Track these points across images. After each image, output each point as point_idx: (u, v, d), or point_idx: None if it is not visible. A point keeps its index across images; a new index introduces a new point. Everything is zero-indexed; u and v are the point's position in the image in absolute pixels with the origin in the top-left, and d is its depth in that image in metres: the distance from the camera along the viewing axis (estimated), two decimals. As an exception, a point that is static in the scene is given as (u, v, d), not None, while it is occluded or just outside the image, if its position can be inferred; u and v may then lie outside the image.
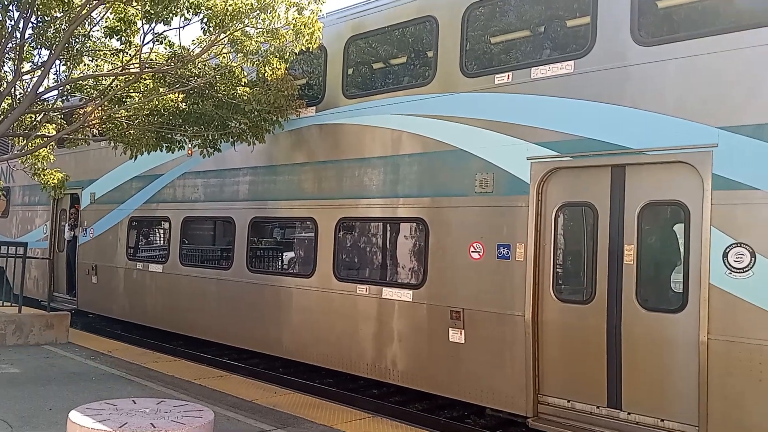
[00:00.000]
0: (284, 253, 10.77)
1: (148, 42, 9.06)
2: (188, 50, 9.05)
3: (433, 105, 8.04)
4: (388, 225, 8.86)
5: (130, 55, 9.44)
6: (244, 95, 8.98)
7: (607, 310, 6.52)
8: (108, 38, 9.53)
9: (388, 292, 8.36)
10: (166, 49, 9.32)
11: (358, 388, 9.58)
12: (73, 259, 14.77)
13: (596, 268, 6.64)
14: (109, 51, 9.94)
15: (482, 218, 7.47)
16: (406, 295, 8.16)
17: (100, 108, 9.81)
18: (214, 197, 11.28)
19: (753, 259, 5.58)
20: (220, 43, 8.71)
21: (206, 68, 9.16)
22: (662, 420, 6.10)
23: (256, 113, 9.11)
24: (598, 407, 6.54)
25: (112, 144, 10.44)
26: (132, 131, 9.78)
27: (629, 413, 6.32)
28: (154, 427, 4.37)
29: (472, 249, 7.53)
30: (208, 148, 9.64)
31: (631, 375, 6.34)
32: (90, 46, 9.87)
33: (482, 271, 7.42)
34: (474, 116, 7.63)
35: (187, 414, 4.76)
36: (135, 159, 10.36)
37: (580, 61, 6.85)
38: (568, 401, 6.75)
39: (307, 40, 8.37)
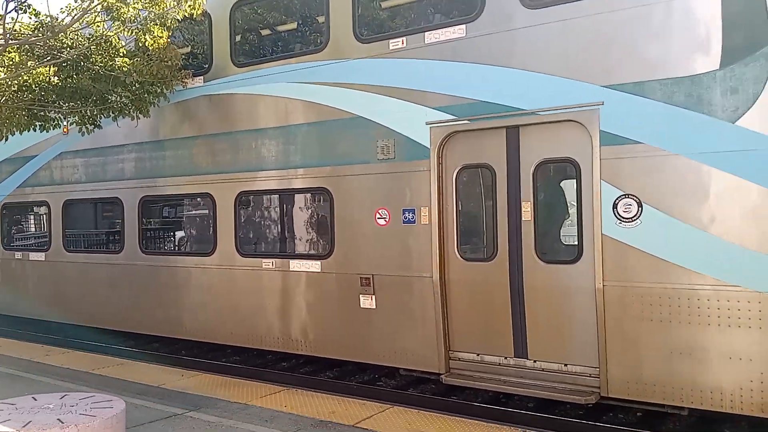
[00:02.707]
0: (180, 232, 10.36)
1: (11, 11, 8.27)
2: (57, 19, 8.31)
3: (328, 72, 7.92)
4: (290, 197, 8.73)
5: (-11, 26, 8.57)
6: (124, 66, 8.43)
7: (509, 265, 6.83)
8: None
9: (296, 265, 8.29)
10: (31, 18, 8.54)
11: (266, 363, 9.52)
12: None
13: (497, 227, 6.91)
14: None
15: (386, 184, 7.53)
16: (315, 266, 8.13)
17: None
18: (98, 177, 10.61)
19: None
20: (93, 10, 8.07)
21: (79, 38, 8.50)
22: (566, 365, 6.53)
23: (138, 85, 8.60)
24: (505, 358, 6.89)
25: None
26: (0, 110, 8.96)
27: (535, 361, 6.71)
28: (62, 423, 4.14)
29: (377, 215, 7.60)
30: (87, 125, 9.01)
31: (535, 325, 6.71)
32: None
33: (389, 236, 7.51)
34: (371, 83, 7.60)
35: (95, 406, 4.54)
36: (6, 140, 9.53)
37: (471, 25, 6.97)
38: (478, 355, 7.06)
39: (190, 6, 7.91)
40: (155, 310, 9.84)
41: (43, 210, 11.63)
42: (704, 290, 5.76)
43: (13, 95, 8.79)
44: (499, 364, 6.92)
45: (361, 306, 7.74)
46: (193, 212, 10.07)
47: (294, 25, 8.98)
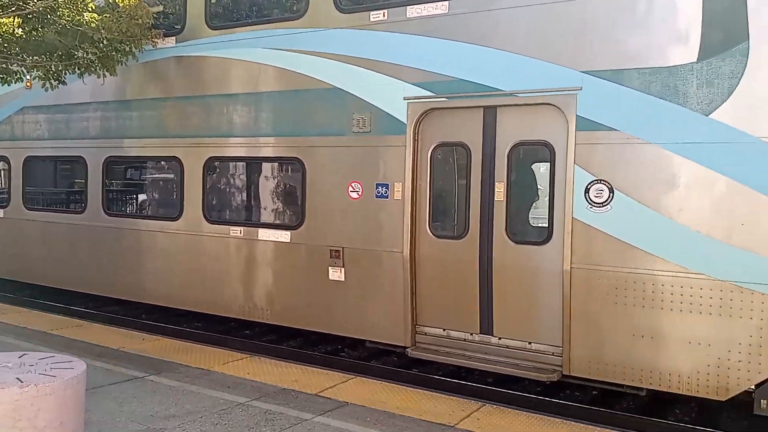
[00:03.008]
0: (146, 195, 10.16)
1: None
2: None
3: (306, 40, 7.79)
4: (261, 165, 8.62)
5: (-50, -27, 8.14)
6: (92, 22, 8.07)
7: (479, 244, 6.90)
8: None
9: (265, 234, 8.23)
10: None
11: (229, 330, 9.50)
12: None
13: (469, 206, 6.96)
14: None
15: (360, 158, 7.50)
16: (284, 236, 8.09)
17: None
18: (61, 134, 10.30)
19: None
20: None
21: None
22: (530, 343, 6.68)
23: (106, 42, 8.31)
24: (471, 334, 7.01)
25: None
26: None
27: (500, 338, 6.84)
28: (22, 382, 4.04)
29: (350, 188, 7.57)
30: (51, 80, 8.69)
31: (502, 303, 6.83)
32: None
33: (361, 210, 7.50)
34: (350, 54, 7.50)
35: (55, 366, 4.41)
36: (7, 84, 9.13)
37: (454, 2, 6.92)
38: (444, 330, 7.16)
39: None
40: (116, 273, 9.69)
41: (1, 165, 11.23)
42: (669, 276, 5.92)
43: None
44: (465, 340, 7.03)
45: (330, 278, 7.74)
46: (160, 175, 9.88)
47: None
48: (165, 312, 9.80)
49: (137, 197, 10.30)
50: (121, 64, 8.72)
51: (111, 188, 9.93)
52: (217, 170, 8.87)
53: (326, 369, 7.18)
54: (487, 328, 6.92)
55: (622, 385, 6.31)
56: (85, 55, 8.43)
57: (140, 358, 7.20)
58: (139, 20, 8.50)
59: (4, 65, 8.63)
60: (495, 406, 6.00)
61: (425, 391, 6.45)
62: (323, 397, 6.07)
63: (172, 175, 9.31)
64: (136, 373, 6.58)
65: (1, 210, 11.12)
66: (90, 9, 8.18)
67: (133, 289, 9.59)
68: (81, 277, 10.10)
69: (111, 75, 8.72)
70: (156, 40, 8.88)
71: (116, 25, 8.25)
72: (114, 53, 8.47)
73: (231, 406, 5.72)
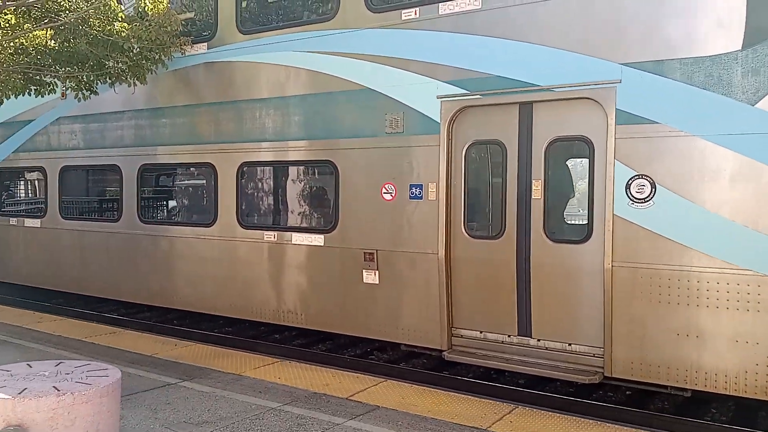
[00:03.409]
0: (180, 202, 10.22)
1: None
2: None
3: (337, 41, 7.77)
4: (294, 169, 8.61)
5: (-13, -12, 8.34)
6: (122, 31, 8.20)
7: (516, 243, 6.75)
8: None
9: (299, 238, 8.19)
10: None
11: (259, 334, 9.49)
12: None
13: (506, 205, 6.82)
14: None
15: (393, 159, 7.42)
16: (317, 239, 8.03)
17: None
18: (96, 143, 10.44)
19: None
20: None
21: (78, 1, 8.27)
22: (570, 344, 6.49)
23: (136, 51, 8.40)
24: (509, 336, 6.85)
25: None
26: None
27: (539, 340, 6.66)
28: (58, 391, 4.05)
29: (384, 190, 7.49)
30: (84, 90, 8.82)
31: (540, 304, 6.66)
32: None
33: (395, 211, 7.42)
34: (381, 54, 7.45)
35: (91, 374, 4.43)
36: (41, 96, 9.33)
37: (487, -2, 6.83)
38: (481, 332, 7.01)
39: None
40: (152, 280, 9.74)
41: (39, 176, 11.42)
42: (715, 273, 5.71)
43: (9, 58, 8.59)
44: (503, 342, 6.88)
45: (364, 281, 7.66)
46: (194, 182, 9.92)
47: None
48: (196, 318, 9.81)
49: (173, 204, 10.34)
50: (151, 73, 8.80)
51: (145, 195, 10.00)
52: (251, 175, 8.87)
53: (357, 372, 7.12)
54: (525, 329, 6.76)
55: (665, 386, 6.10)
56: (115, 65, 8.52)
57: (173, 364, 7.23)
58: (168, 28, 8.56)
59: (38, 77, 8.80)
60: (528, 408, 5.88)
61: (457, 394, 6.35)
62: (354, 401, 6.01)
63: (206, 182, 9.33)
64: (169, 380, 6.60)
65: (38, 220, 11.28)
66: (120, 18, 8.29)
67: (169, 295, 9.62)
68: (118, 284, 10.17)
69: (141, 83, 8.81)
70: (185, 47, 8.93)
71: (146, 33, 8.32)
72: (144, 62, 8.57)
73: (263, 411, 5.69)
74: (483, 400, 6.13)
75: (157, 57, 8.64)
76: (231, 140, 8.78)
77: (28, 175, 12.17)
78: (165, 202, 10.47)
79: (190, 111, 9.24)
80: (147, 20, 8.42)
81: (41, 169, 11.28)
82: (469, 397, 6.24)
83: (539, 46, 6.54)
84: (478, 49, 6.85)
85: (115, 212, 10.32)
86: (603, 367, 6.23)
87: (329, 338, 8.87)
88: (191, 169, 9.77)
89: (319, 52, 7.91)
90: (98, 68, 8.51)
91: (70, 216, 10.97)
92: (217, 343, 8.61)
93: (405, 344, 7.59)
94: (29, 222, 11.45)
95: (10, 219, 11.81)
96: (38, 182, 11.64)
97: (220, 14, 8.87)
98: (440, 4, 7.08)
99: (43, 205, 11.25)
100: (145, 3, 8.15)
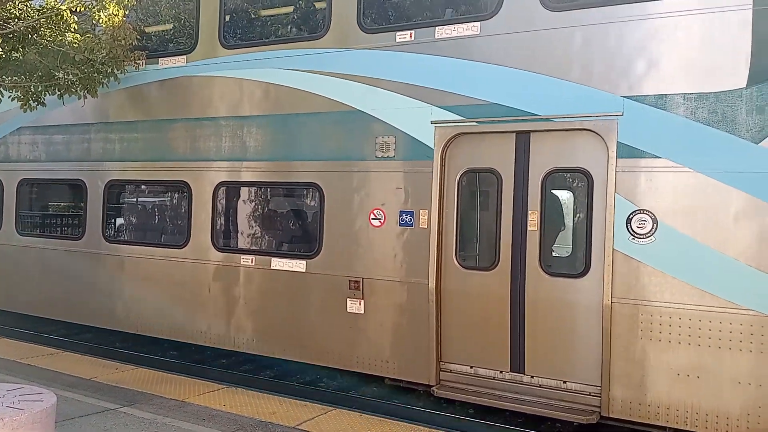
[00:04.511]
0: (150, 221, 9.71)
1: None
2: None
3: (327, 61, 7.51)
4: (275, 190, 8.28)
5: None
6: (74, 43, 7.90)
7: (510, 276, 6.55)
8: None
9: (278, 263, 7.82)
10: None
11: (205, 359, 9.03)
12: None
13: (500, 235, 6.62)
14: None
15: (383, 184, 7.16)
16: (299, 265, 7.67)
17: None
18: (59, 157, 9.87)
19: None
20: None
21: (28, 9, 7.98)
22: (565, 382, 6.29)
23: (88, 64, 8.07)
24: (501, 372, 6.61)
25: None
26: None
27: (532, 376, 6.44)
28: None
29: (372, 216, 7.21)
30: (31, 102, 8.40)
31: (535, 339, 6.45)
32: None
33: (383, 238, 7.14)
34: (374, 75, 7.22)
35: (24, 398, 4.21)
36: None
37: (486, 23, 6.68)
38: (471, 367, 6.76)
39: None
40: (115, 304, 9.18)
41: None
42: (717, 312, 5.61)
43: None
44: (494, 378, 6.63)
45: (348, 310, 7.33)
46: (166, 201, 9.45)
47: (291, 9, 8.51)
48: (140, 340, 9.38)
49: (143, 223, 9.81)
50: (103, 86, 8.43)
51: (112, 213, 9.47)
52: (227, 195, 8.44)
53: (305, 400, 6.95)
54: (518, 365, 6.53)
55: (665, 428, 5.93)
56: (65, 76, 8.14)
57: (114, 388, 7.00)
58: (123, 41, 8.21)
59: None
60: None
61: (406, 424, 6.23)
62: (301, 429, 5.87)
63: (180, 201, 8.89)
64: (108, 405, 6.37)
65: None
66: (72, 30, 8.00)
67: (131, 320, 9.08)
68: (78, 306, 9.57)
69: (92, 97, 8.45)
70: (139, 61, 8.52)
71: (98, 46, 8.01)
72: (96, 75, 8.22)
73: None
74: (432, 430, 6.03)
75: (109, 70, 8.28)
76: (208, 158, 8.38)
77: None
78: (134, 221, 9.89)
79: (165, 126, 8.81)
80: (101, 32, 8.12)
81: (-3, 182, 10.63)
82: (419, 427, 6.14)
83: (540, 75, 6.41)
84: (476, 75, 6.69)
85: (78, 229, 9.76)
86: (600, 407, 6.04)
87: (278, 364, 8.49)
88: (164, 186, 9.27)
89: (306, 71, 7.63)
90: (47, 79, 8.16)
91: (26, 232, 10.32)
92: (162, 368, 8.25)
93: (390, 378, 7.27)
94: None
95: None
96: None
97: (202, 26, 8.51)
98: (437, 28, 6.91)
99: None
100: (99, 15, 7.80)
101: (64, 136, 9.81)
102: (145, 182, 9.30)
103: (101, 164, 9.36)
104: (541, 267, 6.42)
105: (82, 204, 9.57)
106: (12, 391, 4.35)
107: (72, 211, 10.26)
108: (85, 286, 9.45)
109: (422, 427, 6.12)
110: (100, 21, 7.82)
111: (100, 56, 8.00)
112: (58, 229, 10.57)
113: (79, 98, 8.42)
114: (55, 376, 7.36)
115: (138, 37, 8.37)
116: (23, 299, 10.21)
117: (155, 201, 9.64)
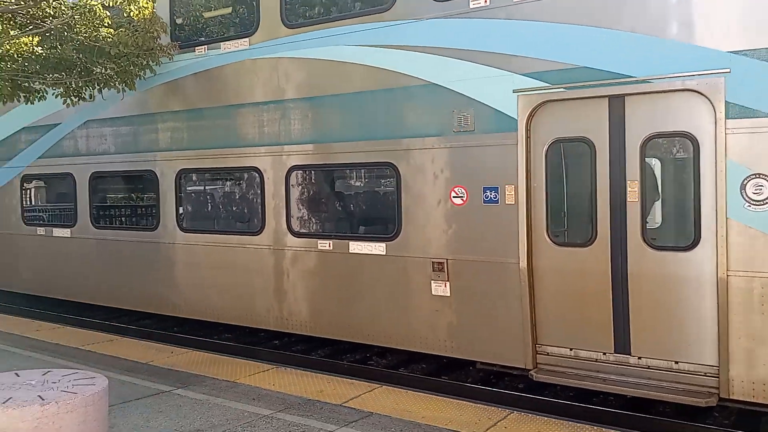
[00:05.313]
0: (224, 209, 9.63)
1: None
2: None
3: (396, 33, 7.12)
4: (349, 172, 8.02)
5: (-30, -5, 8.10)
6: (108, 37, 8.10)
7: (610, 251, 6.12)
8: None
9: (356, 246, 7.58)
10: None
11: (258, 341, 9.22)
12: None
13: (596, 208, 6.18)
14: None
15: (463, 160, 6.80)
16: (378, 248, 7.43)
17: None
18: (129, 148, 9.85)
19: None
20: None
21: (62, 7, 8.15)
22: (676, 362, 5.87)
23: (123, 57, 8.23)
24: (604, 354, 6.23)
25: None
26: None
27: (640, 358, 6.05)
28: (43, 400, 4.11)
29: (453, 194, 6.88)
30: (72, 97, 8.67)
31: (640, 318, 6.03)
32: None
33: (467, 217, 6.80)
34: (447, 45, 6.81)
35: (78, 382, 4.47)
36: (30, 103, 9.02)
37: (571, -19, 6.16)
38: (571, 350, 6.40)
39: None
40: (193, 292, 9.19)
41: (67, 182, 10.83)
42: None
43: None
44: (597, 360, 6.26)
45: (433, 293, 7.06)
46: (239, 187, 9.32)
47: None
48: (194, 324, 9.58)
49: (216, 211, 9.76)
50: (139, 78, 8.65)
51: (184, 203, 9.42)
52: (301, 179, 8.25)
53: (353, 378, 7.00)
54: (623, 346, 6.14)
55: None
56: (103, 71, 8.41)
57: (168, 371, 7.20)
58: (155, 33, 8.48)
59: (26, 84, 8.72)
60: (524, 414, 5.75)
61: (453, 400, 6.22)
62: (348, 407, 5.93)
63: (253, 187, 8.72)
64: (163, 387, 6.56)
65: (68, 230, 10.73)
66: (106, 24, 8.19)
67: (201, 307, 9.09)
68: (157, 296, 9.63)
69: (130, 89, 8.67)
70: (172, 52, 8.71)
71: (132, 39, 8.21)
72: (131, 67, 8.46)
73: (255, 418, 5.65)
74: (478, 405, 6.00)
75: (144, 63, 8.53)
76: (278, 142, 8.17)
77: (54, 183, 11.62)
78: (207, 209, 9.87)
79: (232, 111, 8.62)
80: (133, 26, 8.29)
81: (69, 175, 10.69)
82: (464, 402, 6.12)
83: (631, 33, 5.88)
84: (560, 38, 6.20)
85: (151, 220, 9.78)
86: (718, 388, 5.61)
87: (330, 343, 8.58)
88: (235, 173, 9.15)
89: (375, 46, 7.27)
90: (86, 74, 8.45)
91: (101, 225, 10.41)
92: (214, 350, 8.43)
93: (481, 362, 7.00)
94: (58, 232, 10.90)
95: (37, 229, 11.27)
96: (67, 189, 11.05)
97: (263, 7, 8.21)
98: (515, -11, 6.42)
99: (73, 213, 10.69)
100: (130, 8, 7.95)
101: (133, 128, 9.77)
102: (216, 170, 9.18)
103: (171, 153, 9.28)
104: (644, 240, 5.97)
105: (154, 194, 9.55)
106: (67, 376, 4.61)
107: (145, 202, 10.29)
108: (162, 276, 9.48)
109: (467, 403, 6.07)
110: (131, 14, 8.00)
111: (134, 49, 8.21)
112: (132, 219, 10.65)
113: (118, 91, 8.66)
114: (113, 361, 7.63)
115: (199, 22, 8.27)
116: (101, 290, 10.35)
117: (227, 188, 9.55)
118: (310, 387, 6.55)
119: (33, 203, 11.88)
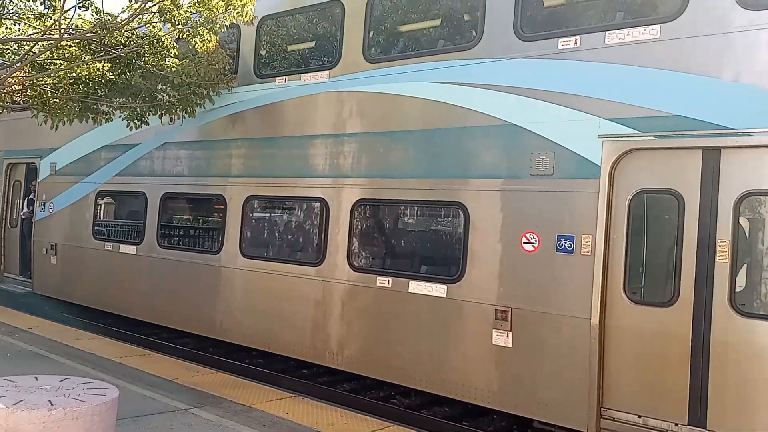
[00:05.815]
0: (286, 238, 9.56)
1: (72, 7, 8.44)
2: (115, 17, 8.39)
3: (478, 72, 6.99)
4: (415, 209, 7.81)
5: (53, 19, 8.50)
6: (173, 66, 8.65)
7: (693, 314, 5.63)
8: (31, 1, 8.82)
9: (417, 286, 7.30)
10: (92, 15, 8.61)
11: (287, 368, 9.14)
12: (29, 236, 13.17)
13: (680, 266, 5.73)
14: (33, 15, 9.05)
15: (538, 204, 6.49)
16: (439, 290, 7.12)
17: (21, 74, 8.89)
18: (201, 172, 9.98)
19: None
20: (148, 11, 7.99)
21: (133, 37, 8.75)
22: (760, 442, 5.26)
23: (185, 86, 8.72)
24: (676, 425, 5.66)
25: (33, 113, 9.48)
26: (56, 100, 8.94)
27: (717, 433, 5.46)
28: (51, 405, 4.21)
29: (524, 239, 6.54)
30: (136, 121, 9.19)
31: (720, 390, 5.47)
32: (12, 8, 9.17)
33: (537, 265, 6.44)
34: (530, 86, 6.61)
35: (90, 391, 4.57)
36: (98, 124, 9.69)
37: (668, 26, 5.90)
38: (639, 417, 5.85)
39: (238, 13, 7.94)
40: (248, 320, 9.06)
41: (139, 201, 11.04)
42: None
43: (68, 87, 8.92)
44: (667, 431, 5.69)
45: (494, 342, 6.66)
46: (302, 217, 9.24)
47: (438, 21, 8.10)
48: (232, 346, 9.56)
49: (279, 240, 9.69)
50: (200, 107, 9.04)
51: (249, 228, 9.39)
52: (365, 213, 8.09)
53: (367, 414, 6.94)
54: (698, 419, 5.56)
55: None
56: (166, 98, 8.86)
57: (190, 390, 7.30)
58: (216, 65, 8.85)
59: (95, 106, 9.14)
60: None
61: None
62: None
63: (314, 218, 8.63)
64: (180, 405, 6.65)
65: (134, 247, 10.88)
66: (172, 54, 8.68)
67: (262, 338, 8.91)
68: (219, 322, 9.51)
69: (189, 117, 9.13)
70: (231, 84, 9.15)
71: (195, 69, 8.61)
72: (192, 96, 8.85)
73: None
74: None
75: (205, 92, 8.93)
76: (347, 175, 8.08)
77: (126, 201, 11.89)
78: (269, 237, 9.81)
79: (305, 142, 8.63)
80: (198, 57, 8.67)
81: (141, 195, 10.91)
82: None
83: (734, 83, 5.54)
84: (653, 83, 5.91)
85: (216, 243, 9.79)
86: (807, 479, 4.98)
87: (355, 378, 8.39)
88: (297, 202, 9.09)
89: (455, 83, 7.15)
90: (150, 100, 8.89)
91: (167, 245, 10.49)
92: (241, 373, 8.58)
93: (539, 422, 6.50)
94: (125, 248, 11.07)
95: (105, 244, 11.48)
96: (137, 208, 11.27)
97: (346, 41, 8.28)
98: (607, 32, 6.21)
99: (141, 232, 10.85)
100: (195, 41, 8.24)
101: (207, 152, 9.93)
102: (282, 198, 9.16)
103: (240, 179, 9.33)
104: (732, 305, 5.46)
105: (220, 218, 9.58)
106: (81, 385, 4.72)
107: (210, 225, 10.35)
108: (219, 300, 9.41)
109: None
110: (196, 46, 8.30)
111: (196, 79, 8.60)
112: (197, 241, 10.70)
113: (178, 118, 9.23)
114: (141, 375, 7.79)
115: (283, 53, 8.50)
116: (157, 309, 10.36)
117: (291, 217, 9.50)
118: (322, 419, 6.57)
119: (104, 218, 12.16)
